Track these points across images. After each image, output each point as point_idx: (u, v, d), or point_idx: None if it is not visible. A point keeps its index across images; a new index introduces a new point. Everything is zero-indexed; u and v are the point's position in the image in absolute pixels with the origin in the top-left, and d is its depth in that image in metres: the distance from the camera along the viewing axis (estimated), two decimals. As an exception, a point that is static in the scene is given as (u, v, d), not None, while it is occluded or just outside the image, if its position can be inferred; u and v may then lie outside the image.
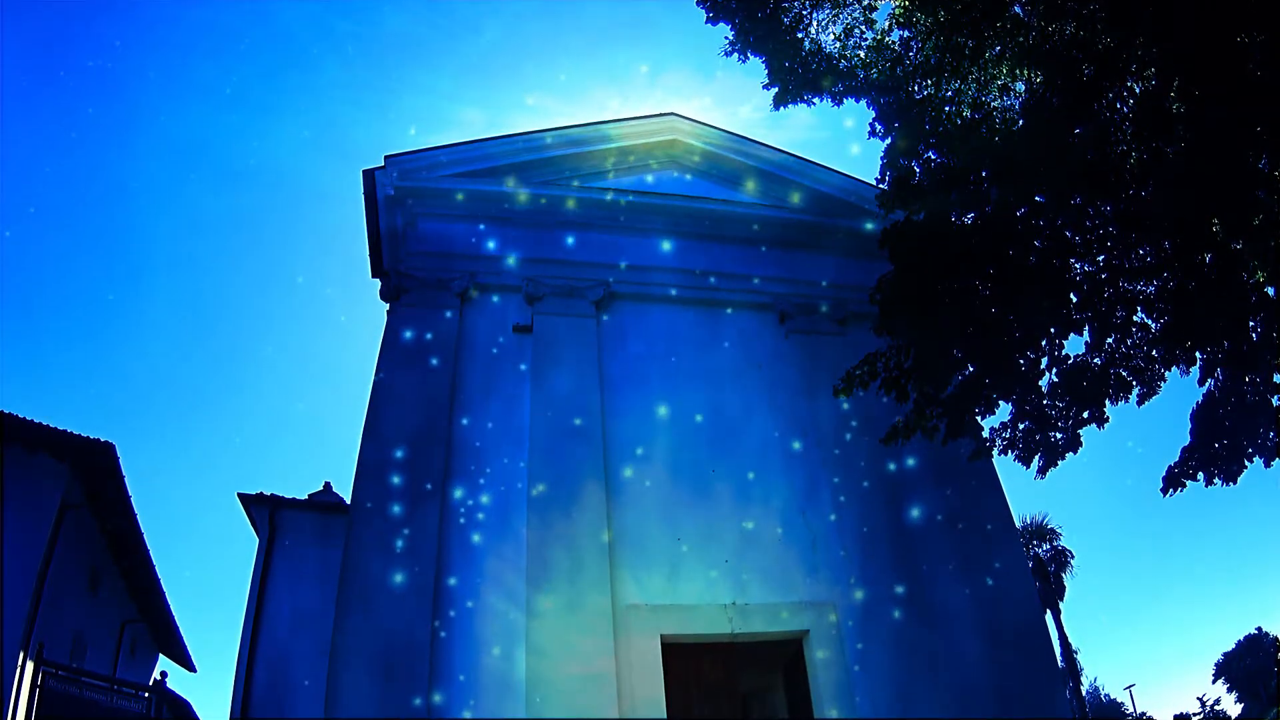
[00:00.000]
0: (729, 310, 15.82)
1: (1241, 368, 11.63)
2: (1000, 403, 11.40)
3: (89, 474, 19.31)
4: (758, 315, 15.91)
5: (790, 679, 13.90)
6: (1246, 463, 11.87)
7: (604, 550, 13.03)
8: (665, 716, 12.27)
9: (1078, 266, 11.41)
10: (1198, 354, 11.87)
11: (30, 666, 14.65)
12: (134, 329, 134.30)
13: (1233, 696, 73.14)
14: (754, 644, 13.64)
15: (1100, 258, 11.51)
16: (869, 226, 14.59)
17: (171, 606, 26.50)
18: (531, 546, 12.93)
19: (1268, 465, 11.81)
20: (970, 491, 14.47)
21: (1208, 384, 12.09)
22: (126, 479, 19.57)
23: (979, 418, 11.57)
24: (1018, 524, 16.64)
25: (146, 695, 11.41)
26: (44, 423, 18.15)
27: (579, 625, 12.42)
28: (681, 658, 13.12)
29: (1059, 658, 19.82)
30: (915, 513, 14.20)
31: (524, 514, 13.23)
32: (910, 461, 14.15)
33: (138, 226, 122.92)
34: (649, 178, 16.86)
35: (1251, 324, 11.47)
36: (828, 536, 13.88)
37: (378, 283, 15.60)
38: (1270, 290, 11.35)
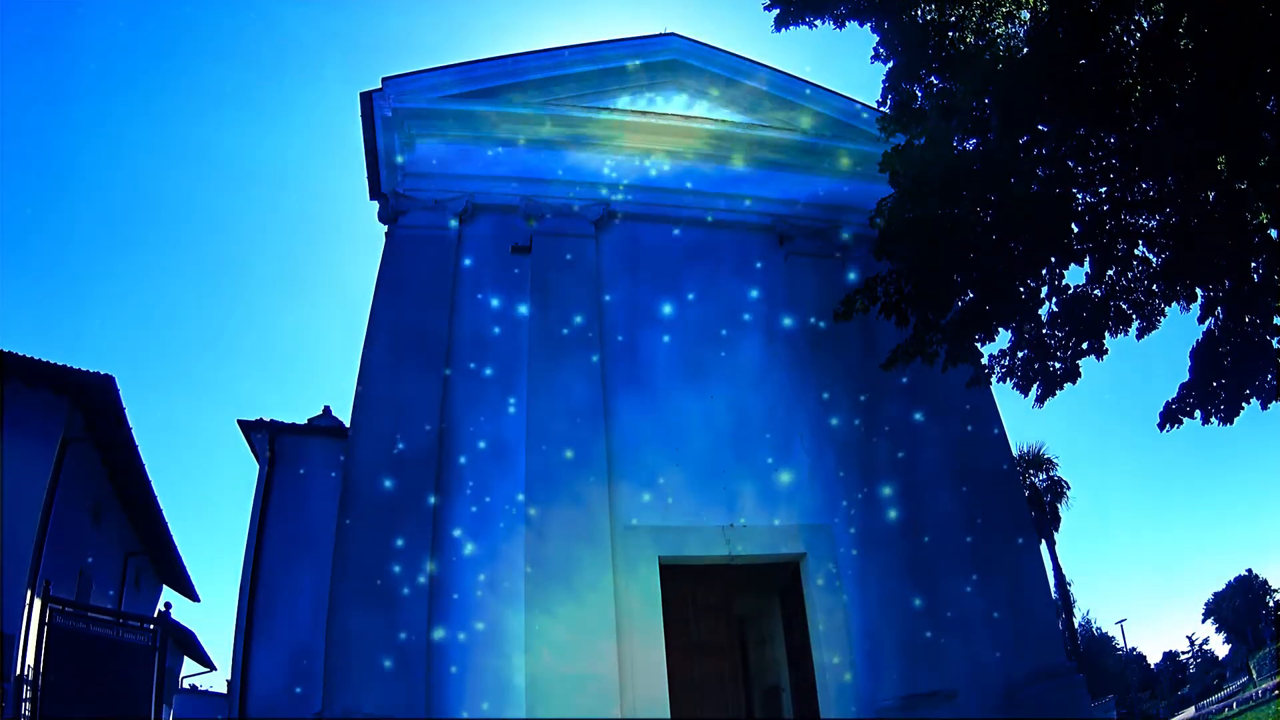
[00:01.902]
0: (728, 232, 15.75)
1: (1242, 308, 11.56)
2: (1000, 330, 11.40)
3: (90, 408, 19.28)
4: (757, 237, 15.83)
5: (787, 601, 14.04)
6: (1244, 404, 11.81)
7: (603, 470, 13.11)
8: (663, 637, 12.43)
9: (1080, 197, 11.33)
10: (1199, 291, 11.84)
11: (38, 604, 14.74)
12: (131, 260, 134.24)
13: (1221, 637, 73.93)
14: (751, 566, 13.83)
15: (1103, 189, 11.44)
16: (870, 150, 14.47)
17: (174, 537, 26.70)
18: (531, 464, 13.02)
19: (1265, 407, 11.80)
20: (968, 417, 14.48)
21: (1208, 322, 12.01)
22: (127, 411, 19.62)
23: (978, 344, 11.54)
24: (1014, 452, 16.64)
25: (151, 627, 11.51)
26: (43, 359, 18.16)
27: (578, 544, 12.53)
28: (679, 579, 13.28)
29: (1053, 589, 19.96)
30: (914, 439, 14.23)
31: (523, 432, 13.27)
32: (909, 387, 14.05)
33: (130, 157, 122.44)
34: (649, 98, 16.66)
35: (1254, 265, 11.39)
36: (825, 461, 13.94)
37: (376, 205, 15.53)
38: (1274, 233, 11.23)
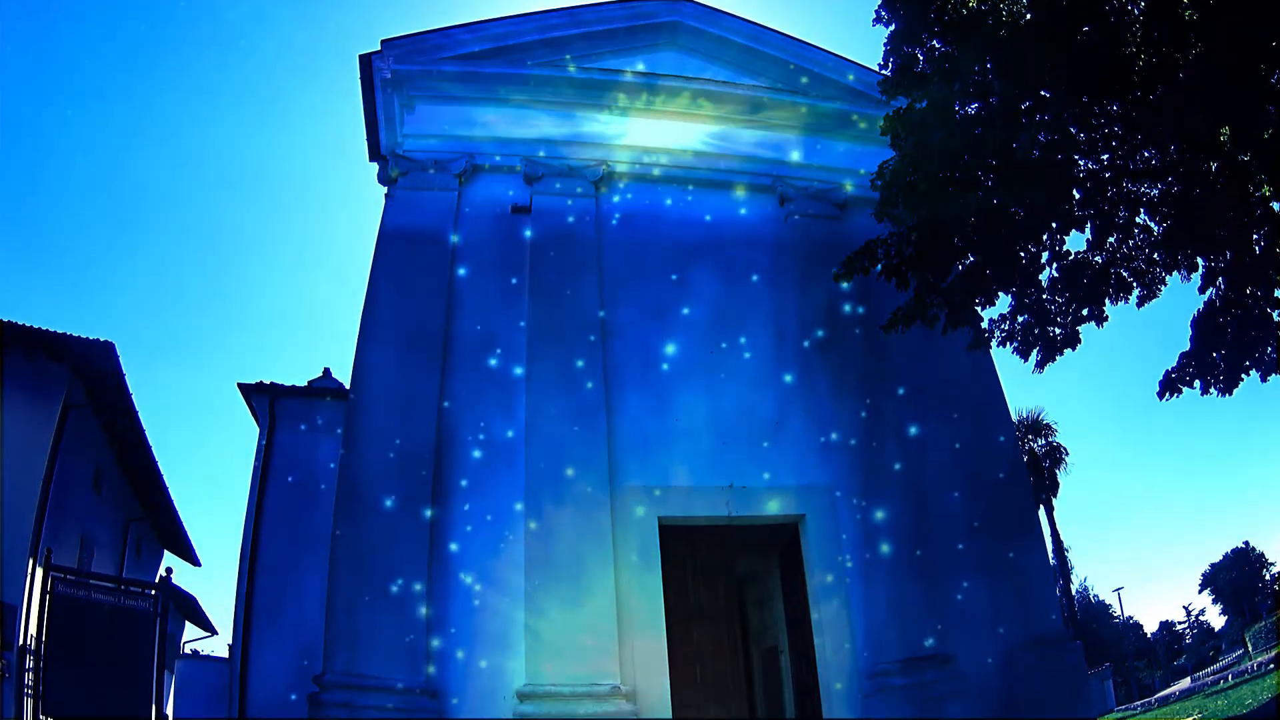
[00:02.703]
0: (729, 192, 15.66)
1: (1244, 279, 11.57)
2: (1000, 294, 11.45)
3: (90, 375, 19.28)
4: (758, 197, 15.72)
5: (786, 563, 14.06)
6: (1243, 375, 11.85)
7: (603, 430, 13.12)
8: (663, 597, 12.46)
9: (1081, 163, 11.33)
10: (1200, 261, 11.87)
11: (39, 573, 14.79)
12: (128, 226, 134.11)
13: (1217, 608, 74.25)
14: (751, 527, 13.84)
15: (1104, 157, 11.46)
16: (872, 113, 14.39)
17: (175, 502, 26.78)
18: (530, 424, 13.04)
19: (1264, 380, 11.85)
20: (968, 384, 14.49)
21: (1209, 293, 12.05)
22: (127, 377, 19.63)
23: (979, 308, 11.57)
24: (1013, 417, 16.65)
25: (153, 593, 11.57)
26: (42, 327, 18.16)
27: (577, 504, 12.55)
28: (679, 540, 13.33)
29: (1051, 555, 20.02)
30: (914, 404, 14.22)
31: (522, 392, 13.30)
32: (910, 352, 13.98)
33: (125, 123, 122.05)
34: (651, 59, 16.45)
35: (1255, 237, 11.38)
36: (825, 423, 13.90)
37: (375, 167, 15.50)
38: (1276, 206, 11.21)
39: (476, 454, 13.00)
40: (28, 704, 13.61)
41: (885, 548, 13.05)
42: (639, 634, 12.10)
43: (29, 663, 14.70)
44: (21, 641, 16.61)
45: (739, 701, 14.31)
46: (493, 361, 13.60)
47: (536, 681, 11.55)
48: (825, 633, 12.76)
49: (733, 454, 13.42)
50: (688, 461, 13.29)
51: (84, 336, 18.26)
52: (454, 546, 12.45)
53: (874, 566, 12.94)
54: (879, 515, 13.23)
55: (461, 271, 14.21)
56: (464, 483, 12.82)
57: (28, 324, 17.88)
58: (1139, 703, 34.83)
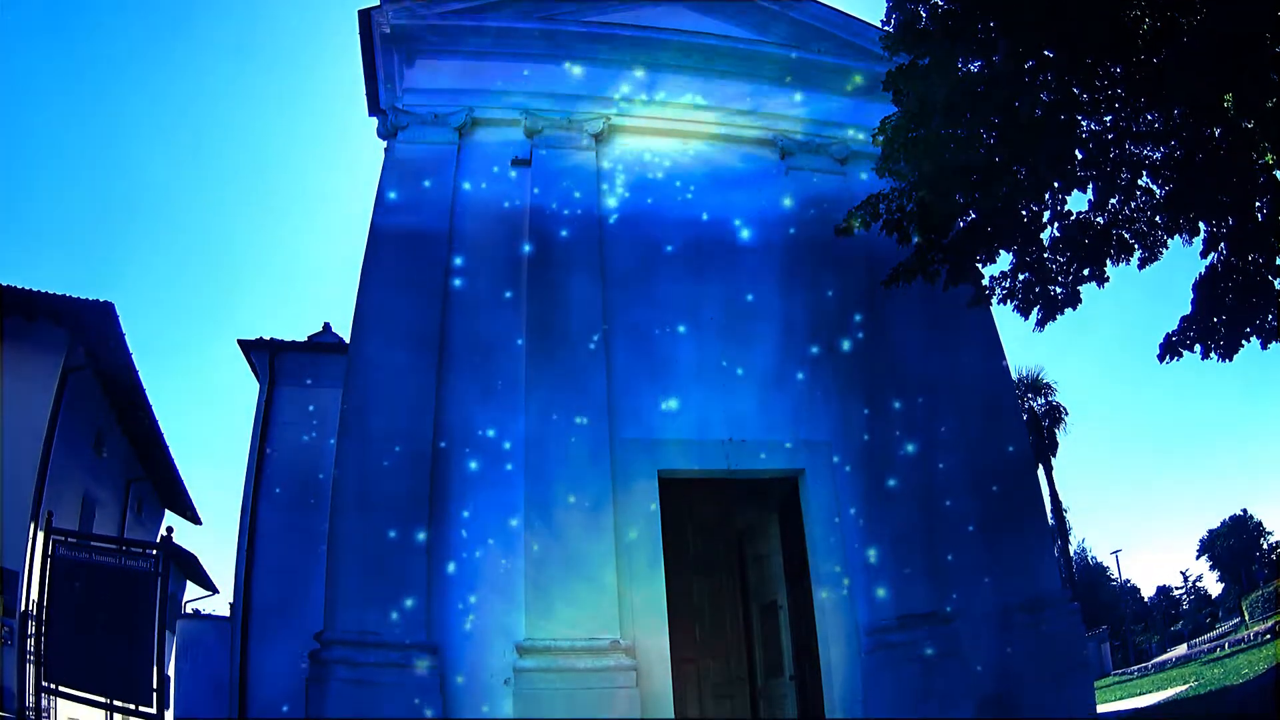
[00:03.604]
0: (729, 146, 15.57)
1: (1246, 246, 11.52)
2: (1001, 252, 11.42)
3: (89, 336, 19.32)
4: (758, 151, 15.64)
5: (785, 517, 14.07)
6: (1244, 341, 11.77)
7: (602, 382, 13.15)
8: (662, 551, 12.53)
9: (1084, 124, 11.26)
10: (1201, 225, 11.80)
11: (41, 537, 14.83)
12: (125, 183, 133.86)
13: (1215, 575, 74.61)
14: (750, 481, 13.91)
15: (1107, 118, 11.39)
16: (874, 69, 14.30)
17: (175, 461, 26.98)
18: (530, 376, 13.08)
19: (1265, 347, 11.79)
20: (969, 343, 14.50)
21: (1211, 257, 11.98)
22: (127, 337, 19.65)
23: (980, 265, 11.55)
24: (1013, 375, 16.65)
25: (154, 553, 11.60)
26: (40, 290, 18.14)
27: (576, 457, 12.58)
28: (678, 493, 13.37)
29: (1049, 515, 20.09)
30: (915, 361, 14.24)
31: (522, 342, 13.32)
32: (911, 309, 13.97)
33: (122, 78, 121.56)
34: (652, 12, 16.22)
35: (1258, 204, 11.34)
36: (825, 378, 13.90)
37: (375, 121, 15.46)
38: (1279, 174, 11.19)
39: (478, 396, 13.12)
40: (29, 670, 13.67)
41: (884, 505, 13.09)
42: (638, 588, 12.17)
43: (31, 628, 14.76)
44: (23, 607, 16.69)
45: (738, 657, 14.42)
46: (491, 308, 13.67)
47: (536, 636, 11.63)
48: (824, 589, 12.81)
49: (732, 408, 13.43)
50: (687, 414, 13.31)
51: (83, 298, 18.26)
52: (454, 502, 12.49)
53: (873, 523, 12.98)
54: (878, 472, 13.25)
55: (462, 222, 14.19)
56: (464, 428, 12.93)
57: (26, 287, 17.88)
58: (1135, 667, 35.07)
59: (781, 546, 14.25)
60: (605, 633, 11.72)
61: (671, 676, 12.02)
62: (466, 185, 14.53)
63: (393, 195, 14.18)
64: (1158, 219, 11.72)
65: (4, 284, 17.73)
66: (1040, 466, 38.65)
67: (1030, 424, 39.88)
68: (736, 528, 15.01)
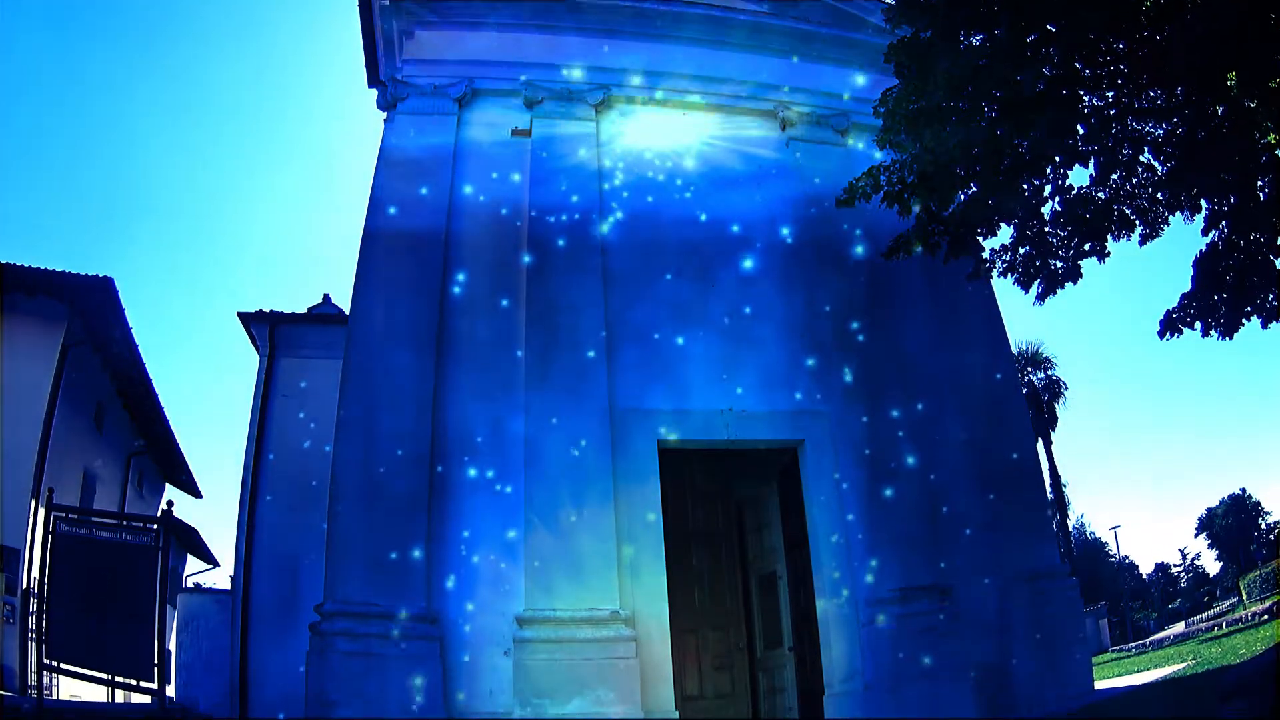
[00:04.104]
0: (730, 116, 15.52)
1: (1247, 225, 11.48)
2: (1001, 225, 11.41)
3: (89, 311, 19.40)
4: (759, 121, 15.61)
5: (784, 488, 14.12)
6: (1244, 320, 11.73)
7: (602, 351, 13.16)
8: (661, 521, 12.57)
9: (1086, 99, 11.22)
10: (1203, 203, 11.77)
11: (41, 514, 14.89)
12: (123, 155, 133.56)
13: (1213, 553, 74.79)
14: (750, 451, 13.93)
15: (1109, 94, 11.33)
16: (875, 41, 14.23)
17: (176, 435, 27.22)
18: (530, 345, 13.10)
19: (1265, 326, 11.73)
20: (967, 313, 14.50)
21: (1212, 235, 11.94)
22: (126, 312, 19.70)
23: (980, 238, 11.54)
24: (1013, 349, 16.64)
25: (154, 527, 11.63)
26: (39, 266, 18.18)
27: (576, 425, 12.62)
28: (678, 463, 13.45)
29: (1048, 489, 20.13)
30: (915, 334, 14.27)
31: (522, 313, 13.35)
32: (912, 281, 14.12)
33: (117, 47, 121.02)
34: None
35: (1260, 184, 11.28)
36: (825, 350, 13.90)
37: (374, 93, 15.43)
38: (1281, 154, 11.17)
39: (478, 367, 13.19)
40: (31, 648, 13.73)
41: (884, 477, 13.10)
42: (638, 558, 12.23)
43: (32, 606, 14.82)
44: (25, 585, 16.76)
45: (737, 628, 14.48)
46: (488, 280, 13.72)
47: (536, 606, 11.70)
48: (823, 560, 12.89)
49: (732, 378, 13.46)
50: (686, 384, 13.34)
51: (82, 274, 18.30)
52: (454, 474, 12.54)
53: (873, 495, 13.00)
54: (878, 444, 13.27)
55: (462, 192, 14.20)
56: (465, 399, 12.98)
57: (25, 264, 17.90)
58: (1133, 644, 35.12)
59: (781, 518, 14.32)
60: (605, 603, 11.79)
61: (671, 647, 12.10)
62: (466, 157, 14.51)
63: (392, 167, 14.17)
64: (1159, 195, 11.67)
65: (3, 261, 17.76)
66: (1040, 441, 38.62)
67: (1030, 398, 39.90)
68: (736, 498, 15.02)
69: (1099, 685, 13.87)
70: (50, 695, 14.98)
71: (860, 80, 15.36)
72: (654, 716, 11.40)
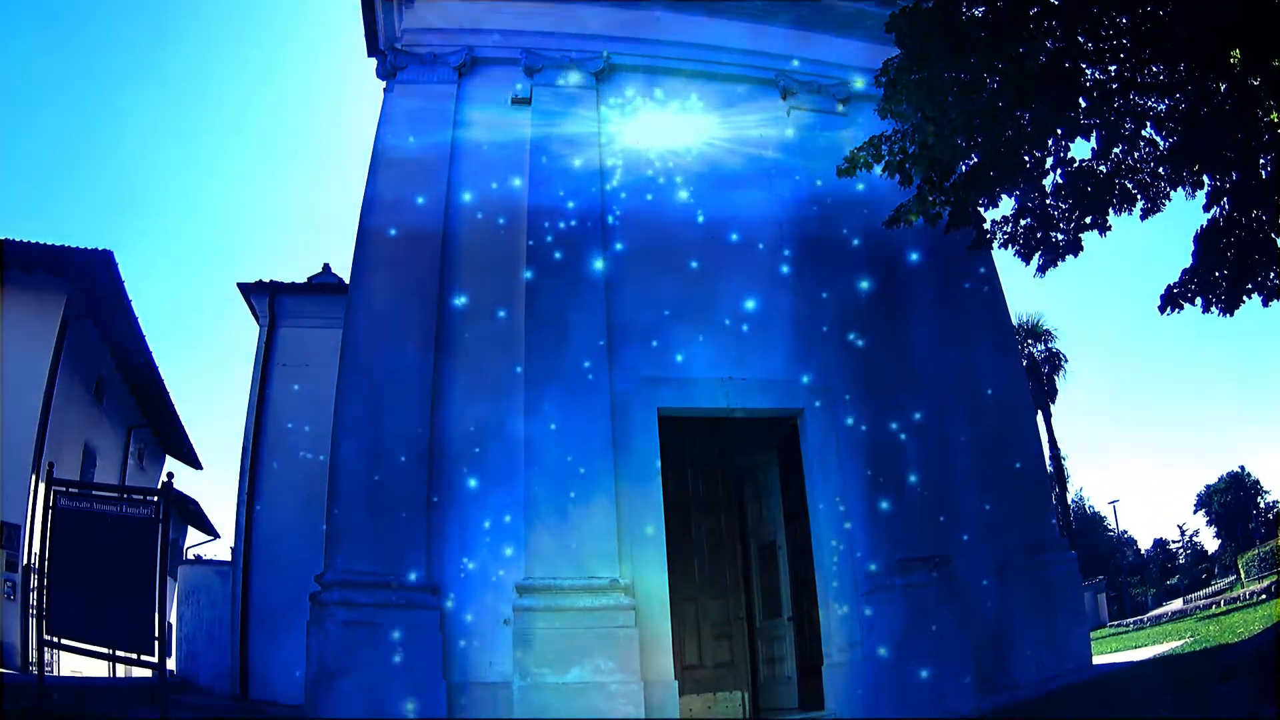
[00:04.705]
0: (730, 85, 15.43)
1: (1249, 202, 11.45)
2: (1003, 196, 11.43)
3: (88, 285, 19.40)
4: (759, 90, 15.50)
5: (784, 457, 14.15)
6: (1245, 298, 11.73)
7: (602, 320, 13.14)
8: (661, 489, 12.58)
9: (1089, 72, 11.18)
10: (1205, 179, 11.74)
11: (42, 489, 14.92)
12: (121, 128, 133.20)
13: (1211, 530, 74.78)
14: (749, 420, 13.95)
15: (1112, 68, 11.28)
16: (878, 11, 14.17)
17: (176, 407, 27.24)
18: (530, 314, 13.07)
19: (1266, 304, 11.73)
20: (970, 287, 14.45)
21: (1213, 211, 11.93)
22: (126, 285, 19.68)
23: (981, 209, 11.51)
24: (1013, 321, 16.60)
25: (155, 500, 11.61)
26: (38, 241, 18.15)
27: (576, 394, 12.62)
28: (678, 431, 13.42)
29: (1047, 461, 20.12)
30: (916, 304, 14.24)
31: (522, 284, 13.29)
32: (911, 247, 14.05)
33: (114, 17, 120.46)
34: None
35: (1262, 162, 11.25)
36: (828, 319, 13.84)
37: (374, 62, 15.28)
38: (1284, 132, 11.14)
39: (475, 344, 13.13)
40: (33, 624, 13.75)
41: (884, 447, 13.06)
42: (638, 526, 12.23)
43: (33, 582, 14.83)
44: (26, 560, 16.79)
45: (736, 596, 14.52)
46: (488, 251, 13.68)
47: (535, 575, 11.73)
48: (822, 529, 12.92)
49: (732, 347, 13.45)
50: (687, 352, 13.31)
51: (81, 248, 18.26)
52: (455, 443, 12.54)
53: (872, 466, 12.96)
54: (878, 415, 13.23)
55: (461, 161, 14.13)
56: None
57: (24, 240, 17.87)
58: (1131, 620, 35.18)
59: (780, 486, 14.35)
60: (604, 572, 11.81)
61: (670, 616, 12.15)
62: (466, 125, 14.43)
63: (392, 136, 14.13)
64: (1161, 170, 11.65)
65: (2, 238, 17.75)
66: (1039, 413, 38.58)
67: (1029, 370, 39.82)
68: (736, 467, 15.02)
69: (1097, 660, 13.89)
70: (51, 672, 15.04)
71: (862, 49, 15.14)
72: (653, 685, 11.43)
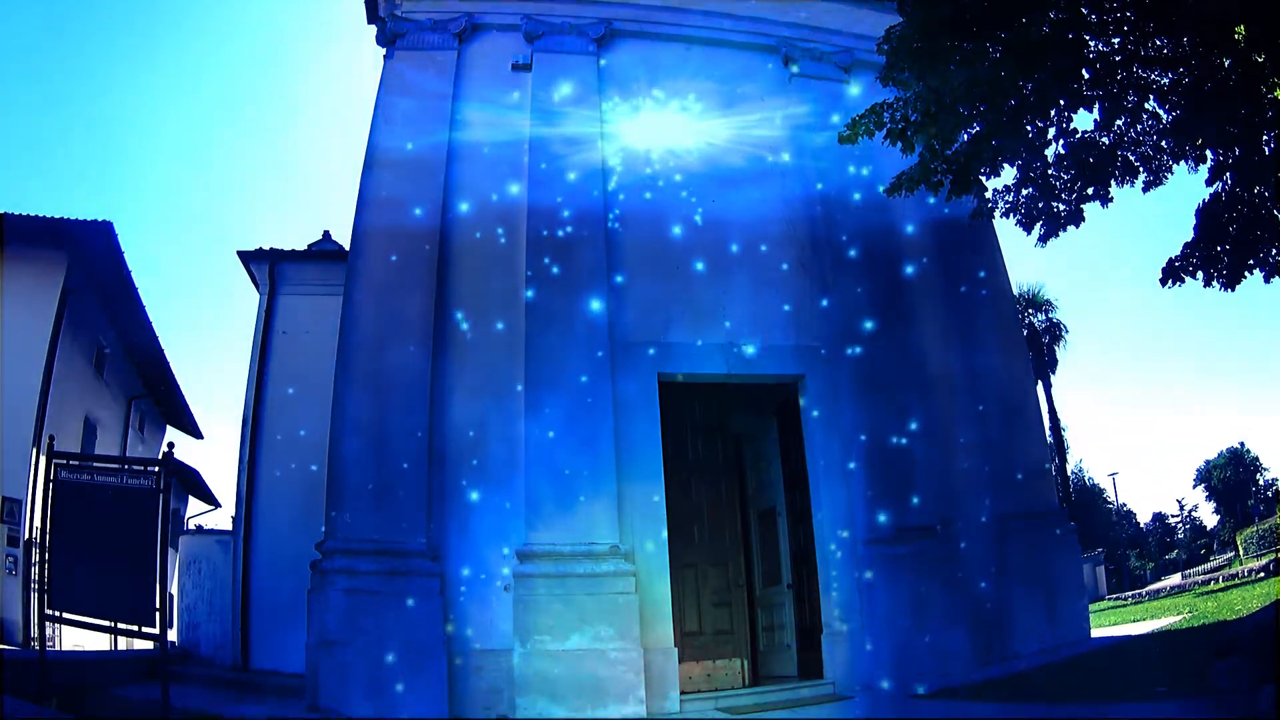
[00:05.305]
0: (731, 51, 15.34)
1: (1252, 178, 11.46)
2: (1005, 166, 11.40)
3: (88, 256, 19.34)
4: (761, 57, 15.43)
5: (784, 424, 14.20)
6: (1246, 273, 11.77)
7: (603, 285, 13.11)
8: (661, 455, 12.61)
9: (1092, 44, 11.15)
10: (1209, 154, 11.74)
11: (43, 462, 14.95)
12: (118, 97, 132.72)
13: (1211, 505, 74.79)
14: (749, 386, 13.99)
15: (1115, 40, 11.26)
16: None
17: (176, 377, 27.25)
18: (532, 278, 13.03)
19: (1268, 280, 11.77)
20: (967, 251, 14.46)
21: (1216, 186, 11.93)
22: (125, 255, 19.64)
23: (983, 178, 11.48)
24: (1014, 291, 16.58)
25: (155, 470, 11.59)
26: (37, 214, 18.12)
27: (577, 360, 12.62)
28: (678, 397, 13.48)
29: (1047, 431, 20.12)
30: (915, 269, 14.21)
31: (524, 250, 13.27)
32: (911, 215, 14.03)
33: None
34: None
35: (1266, 137, 11.21)
36: (826, 286, 13.84)
37: (374, 29, 15.22)
38: (1288, 108, 11.10)
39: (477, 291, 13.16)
40: (34, 598, 13.78)
41: (884, 416, 13.06)
42: (638, 493, 12.26)
43: (35, 556, 14.85)
44: (27, 535, 16.82)
45: (736, 563, 14.57)
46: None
47: (536, 541, 11.77)
48: (821, 496, 12.95)
49: (733, 313, 13.44)
50: (687, 318, 13.32)
51: (81, 219, 18.22)
52: (454, 407, 12.56)
53: (871, 432, 12.96)
54: (879, 382, 13.23)
55: (462, 129, 14.06)
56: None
57: (23, 213, 17.82)
58: (1130, 593, 35.26)
59: (780, 452, 14.37)
60: (604, 537, 11.86)
61: (670, 582, 12.21)
62: (466, 92, 14.38)
63: (392, 104, 14.09)
64: (1164, 144, 11.65)
65: (1, 211, 17.70)
66: (1039, 383, 38.44)
67: (1030, 340, 39.62)
68: (736, 434, 15.04)
69: (1095, 633, 13.97)
70: (53, 646, 15.08)
71: (864, 16, 15.13)
72: (653, 652, 11.50)
